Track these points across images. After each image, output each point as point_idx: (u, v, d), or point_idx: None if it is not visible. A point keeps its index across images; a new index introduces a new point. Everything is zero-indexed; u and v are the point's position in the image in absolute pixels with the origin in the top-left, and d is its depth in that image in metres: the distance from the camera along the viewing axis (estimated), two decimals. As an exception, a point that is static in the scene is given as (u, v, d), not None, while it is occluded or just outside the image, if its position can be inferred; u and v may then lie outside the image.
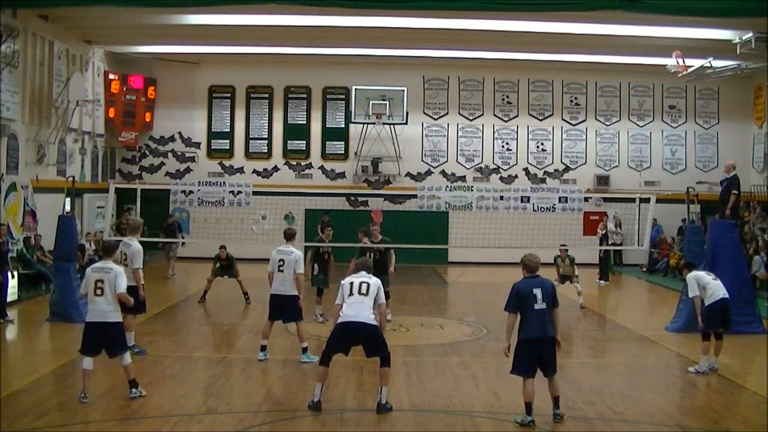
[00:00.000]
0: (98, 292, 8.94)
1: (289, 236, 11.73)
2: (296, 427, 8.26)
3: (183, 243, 22.01)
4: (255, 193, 25.43)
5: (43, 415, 8.41)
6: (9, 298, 15.10)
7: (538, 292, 8.38)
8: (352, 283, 8.95)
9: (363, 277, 9.05)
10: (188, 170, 27.03)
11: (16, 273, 16.59)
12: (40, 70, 20.14)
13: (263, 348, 11.28)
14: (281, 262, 11.17)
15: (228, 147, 27.20)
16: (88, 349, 8.95)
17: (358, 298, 8.81)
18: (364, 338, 8.74)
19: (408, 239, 20.22)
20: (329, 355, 8.83)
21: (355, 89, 25.78)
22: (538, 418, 8.58)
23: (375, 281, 9.02)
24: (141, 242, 11.47)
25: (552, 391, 8.51)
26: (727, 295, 11.05)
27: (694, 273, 11.31)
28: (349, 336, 8.76)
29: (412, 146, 26.96)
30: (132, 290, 11.24)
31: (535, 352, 8.34)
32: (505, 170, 27.29)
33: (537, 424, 8.40)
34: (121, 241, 11.60)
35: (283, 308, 11.18)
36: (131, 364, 9.12)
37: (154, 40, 23.85)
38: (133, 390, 9.05)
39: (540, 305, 8.33)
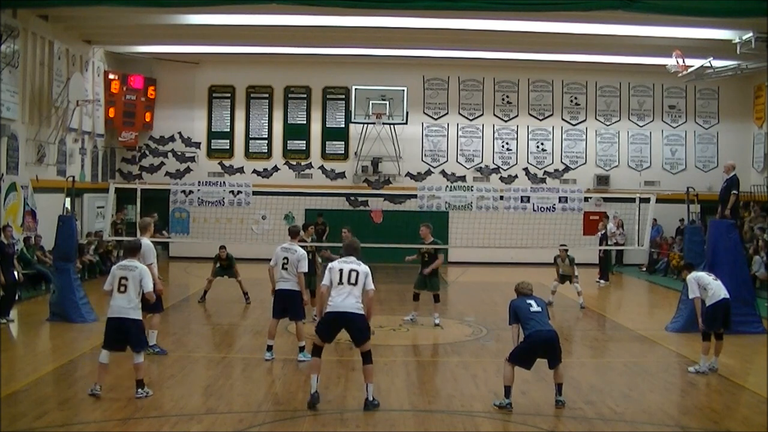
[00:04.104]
0: (122, 289, 9.16)
1: (293, 234, 11.82)
2: (296, 427, 8.26)
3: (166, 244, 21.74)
4: (255, 193, 25.49)
5: (43, 415, 8.41)
6: (9, 298, 15.11)
7: (532, 301, 9.18)
8: (341, 270, 8.97)
9: (352, 263, 9.06)
10: (188, 170, 27.03)
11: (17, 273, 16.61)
12: (40, 70, 20.14)
13: (269, 348, 11.29)
14: (285, 260, 11.25)
15: (228, 147, 27.20)
16: (109, 344, 9.19)
17: (347, 287, 8.87)
18: (349, 326, 8.88)
19: (408, 239, 20.20)
20: (320, 345, 8.94)
21: (355, 89, 25.79)
22: (538, 418, 8.60)
23: (364, 269, 9.01)
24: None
25: (556, 378, 9.03)
26: (728, 296, 11.05)
27: (695, 274, 11.29)
28: (337, 324, 8.91)
29: (412, 146, 26.96)
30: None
31: (539, 347, 8.85)
32: (505, 170, 27.29)
33: (536, 424, 8.41)
34: (119, 241, 11.79)
35: (290, 305, 11.21)
36: (143, 364, 9.22)
37: (154, 40, 23.84)
38: (139, 390, 9.11)
39: (536, 308, 9.03)
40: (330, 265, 9.19)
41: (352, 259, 9.15)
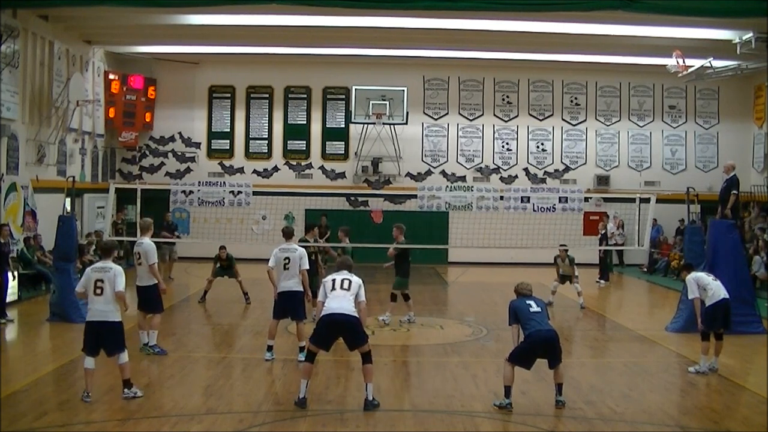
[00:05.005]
0: (98, 291, 9.00)
1: (288, 235, 11.83)
2: (296, 427, 8.27)
3: (175, 243, 21.63)
4: (255, 193, 25.48)
5: (43, 415, 8.41)
6: (9, 298, 15.10)
7: (531, 302, 9.22)
8: (334, 280, 9.13)
9: (345, 274, 9.23)
10: (188, 170, 27.02)
11: (16, 273, 16.62)
12: (40, 70, 20.14)
13: (270, 348, 11.29)
14: (287, 260, 11.26)
15: (228, 147, 27.20)
16: (90, 349, 9.02)
17: (340, 292, 8.99)
18: (346, 330, 8.88)
19: (408, 239, 20.17)
20: (314, 351, 8.95)
21: (355, 89, 25.78)
22: (538, 418, 8.61)
23: (357, 280, 9.18)
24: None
25: (556, 378, 9.05)
26: (727, 296, 11.05)
27: (694, 274, 11.29)
28: (333, 328, 8.87)
29: (412, 146, 26.95)
30: (152, 288, 11.35)
31: (539, 347, 8.87)
32: (505, 170, 27.28)
33: (536, 424, 8.42)
34: (120, 241, 11.86)
35: (291, 305, 11.22)
36: (128, 363, 9.13)
37: (154, 40, 23.83)
38: (126, 390, 9.05)
39: (535, 309, 9.06)
40: (323, 280, 9.32)
41: (345, 272, 9.30)
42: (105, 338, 8.96)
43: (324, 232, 22.03)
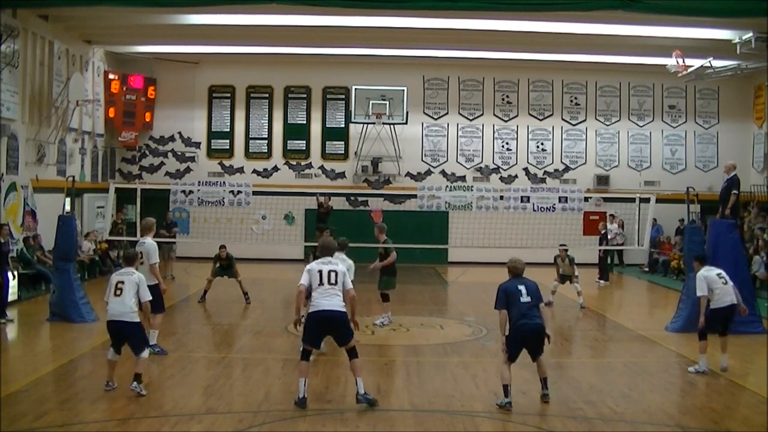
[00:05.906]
0: (117, 292, 9.40)
1: (342, 246, 11.98)
2: (296, 427, 8.26)
3: (174, 242, 21.61)
4: (255, 193, 25.53)
5: (43, 415, 8.41)
6: (9, 298, 15.08)
7: (522, 288, 9.05)
8: (320, 272, 9.05)
9: (330, 264, 9.16)
10: (188, 170, 27.02)
11: (16, 273, 16.61)
12: (40, 70, 20.14)
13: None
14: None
15: (228, 147, 27.20)
16: (115, 345, 9.44)
17: (328, 288, 8.97)
18: (335, 326, 8.95)
19: (408, 239, 20.22)
20: (308, 349, 9.00)
21: (355, 89, 25.79)
22: (538, 418, 8.61)
23: (341, 269, 9.15)
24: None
25: (540, 373, 9.14)
26: (734, 301, 11.01)
27: (706, 273, 11.17)
28: (323, 324, 8.94)
29: (412, 146, 26.95)
30: (153, 288, 11.41)
31: (524, 340, 8.98)
32: (505, 170, 27.28)
33: (536, 424, 8.42)
34: (120, 241, 11.94)
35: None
36: (145, 360, 9.37)
37: (154, 40, 23.84)
38: (135, 383, 9.16)
39: (525, 298, 8.98)
40: (308, 267, 9.25)
41: (329, 259, 9.29)
42: (125, 336, 9.34)
43: (325, 213, 21.93)
